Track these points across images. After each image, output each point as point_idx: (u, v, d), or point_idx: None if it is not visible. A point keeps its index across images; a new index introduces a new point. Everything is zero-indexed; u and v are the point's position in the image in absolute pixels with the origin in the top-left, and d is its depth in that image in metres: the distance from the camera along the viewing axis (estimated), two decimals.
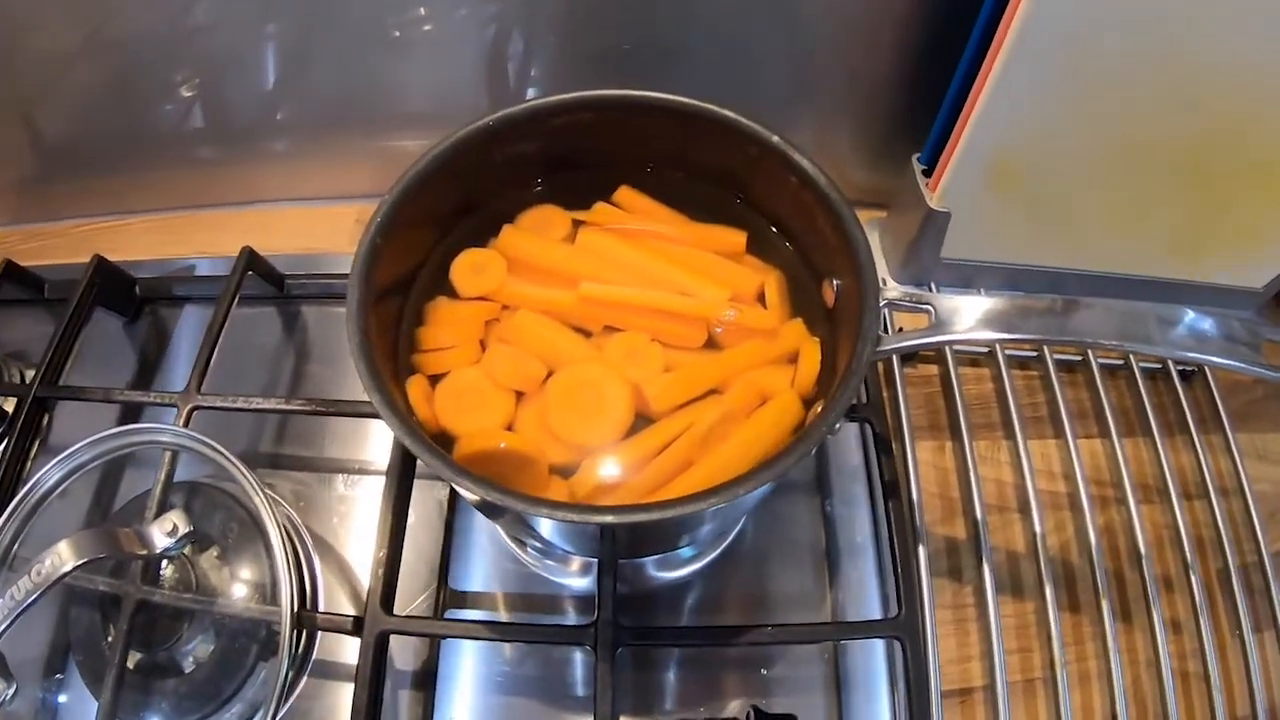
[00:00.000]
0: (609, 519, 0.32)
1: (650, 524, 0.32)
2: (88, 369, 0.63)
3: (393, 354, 0.42)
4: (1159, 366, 0.67)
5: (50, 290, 0.65)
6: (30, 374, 0.60)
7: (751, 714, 0.47)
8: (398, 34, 0.59)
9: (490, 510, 0.43)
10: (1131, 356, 0.66)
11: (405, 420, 0.34)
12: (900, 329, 0.62)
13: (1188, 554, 0.58)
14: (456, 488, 0.39)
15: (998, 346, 0.64)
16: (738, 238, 0.47)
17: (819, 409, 0.38)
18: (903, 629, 0.46)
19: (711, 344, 0.44)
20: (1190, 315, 0.40)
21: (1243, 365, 0.39)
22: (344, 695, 0.49)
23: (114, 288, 0.64)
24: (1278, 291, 0.71)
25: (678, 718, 0.49)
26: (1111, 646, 0.53)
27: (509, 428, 0.41)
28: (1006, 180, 0.59)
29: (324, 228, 0.72)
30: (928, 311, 0.39)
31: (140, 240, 0.73)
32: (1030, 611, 0.56)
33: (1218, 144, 0.57)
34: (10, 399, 0.60)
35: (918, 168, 0.63)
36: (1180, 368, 0.67)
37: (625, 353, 0.43)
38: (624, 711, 0.49)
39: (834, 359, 0.43)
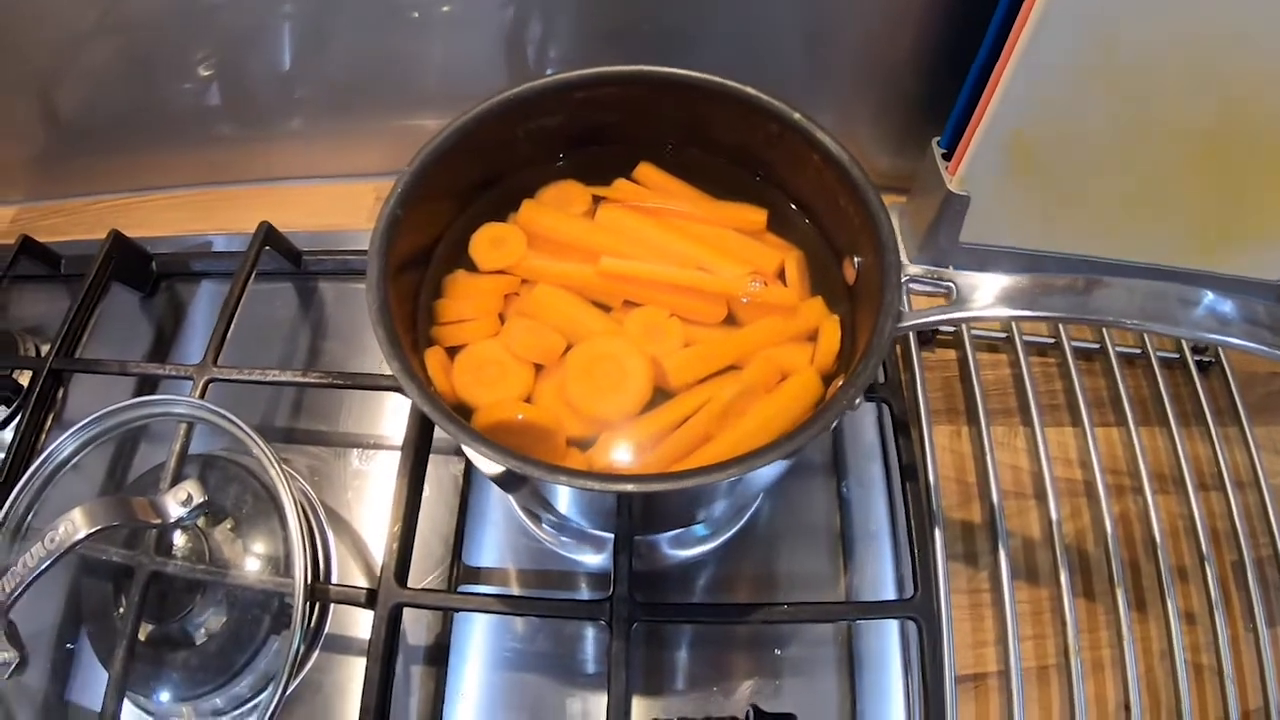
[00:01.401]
0: (629, 487, 0.31)
1: (669, 494, 0.32)
2: (104, 344, 0.63)
3: (411, 326, 0.42)
4: (1176, 356, 0.67)
5: (67, 266, 0.66)
6: (46, 348, 0.61)
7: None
8: (416, 14, 0.59)
9: (508, 482, 0.43)
10: (1149, 345, 0.66)
11: (425, 388, 0.34)
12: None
13: (1203, 545, 0.57)
14: (474, 457, 0.39)
15: (1015, 332, 0.64)
16: (758, 215, 0.46)
17: (839, 384, 0.38)
18: (919, 610, 0.46)
19: (731, 320, 0.44)
20: (1210, 297, 0.40)
21: (1265, 349, 0.39)
22: (356, 669, 0.49)
23: (131, 263, 0.64)
24: None
25: (683, 716, 0.49)
26: (1126, 636, 0.53)
27: (527, 400, 0.41)
28: (1026, 164, 0.58)
29: (342, 205, 0.72)
30: (948, 290, 0.39)
31: (159, 217, 0.73)
32: (1045, 598, 0.56)
33: (1239, 130, 0.57)
34: (26, 372, 0.60)
35: (937, 151, 0.63)
36: (1198, 359, 0.67)
37: (644, 327, 0.43)
38: (636, 689, 0.49)
39: (854, 337, 0.42)
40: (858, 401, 0.35)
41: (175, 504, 0.44)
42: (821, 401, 0.41)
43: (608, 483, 0.32)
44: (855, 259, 0.43)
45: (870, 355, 0.35)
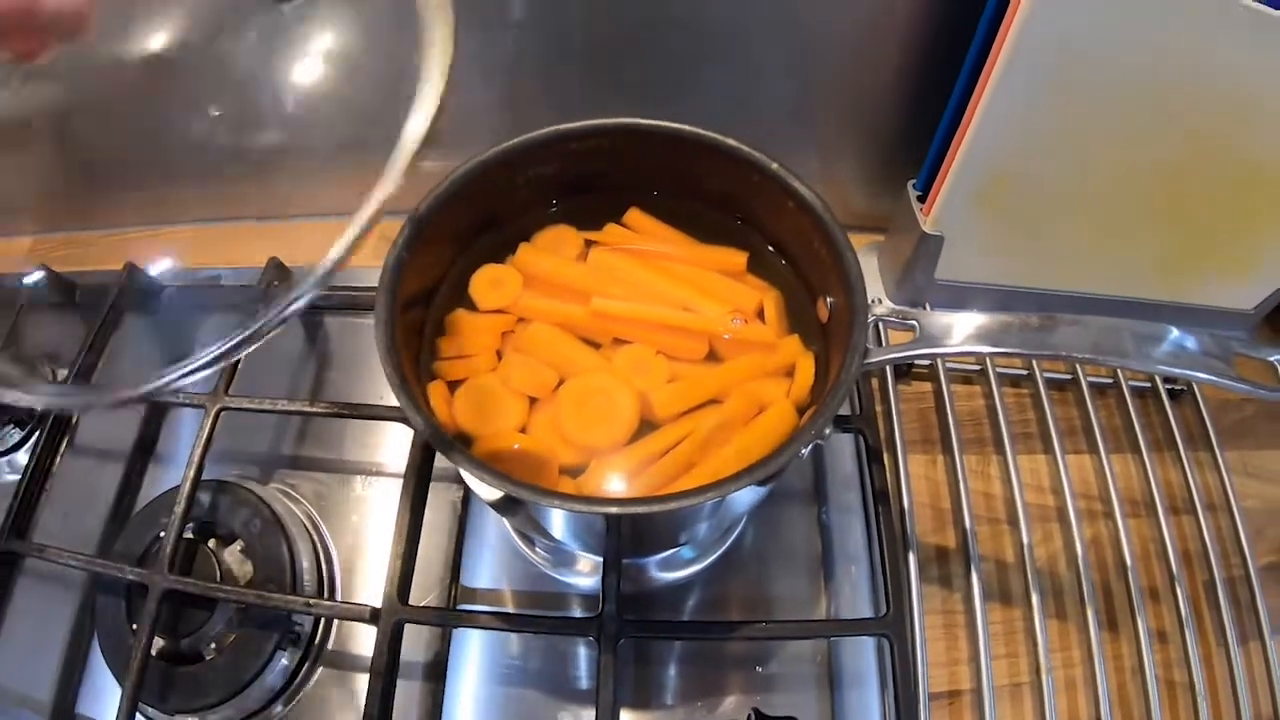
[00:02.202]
0: (613, 510, 0.34)
1: (652, 517, 0.34)
2: (116, 371, 0.65)
3: (415, 361, 0.45)
4: (1148, 385, 0.69)
5: (81, 295, 0.68)
6: (62, 374, 0.63)
7: (752, 715, 0.49)
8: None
9: (504, 506, 0.46)
10: (1121, 376, 0.68)
11: (430, 418, 0.37)
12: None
13: (1174, 567, 0.59)
14: (473, 483, 0.42)
15: (989, 365, 0.66)
16: (739, 258, 0.49)
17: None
18: (889, 627, 0.48)
19: (713, 357, 0.47)
20: (1175, 333, 0.42)
21: (1213, 378, 0.41)
22: (359, 684, 0.51)
23: (144, 294, 0.66)
24: (1269, 313, 0.73)
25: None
26: (1096, 654, 0.54)
27: (523, 430, 0.44)
28: (997, 204, 0.61)
29: None
30: (914, 327, 0.42)
31: (170, 251, 0.76)
32: (1018, 619, 0.58)
33: (1204, 168, 0.59)
34: None
35: (913, 193, 0.65)
36: (1169, 387, 0.69)
37: (632, 363, 0.45)
38: (625, 704, 0.51)
39: (828, 371, 0.45)
40: (827, 431, 0.38)
41: None
42: None
43: (593, 505, 0.35)
44: (828, 299, 0.45)
45: (837, 389, 0.37)
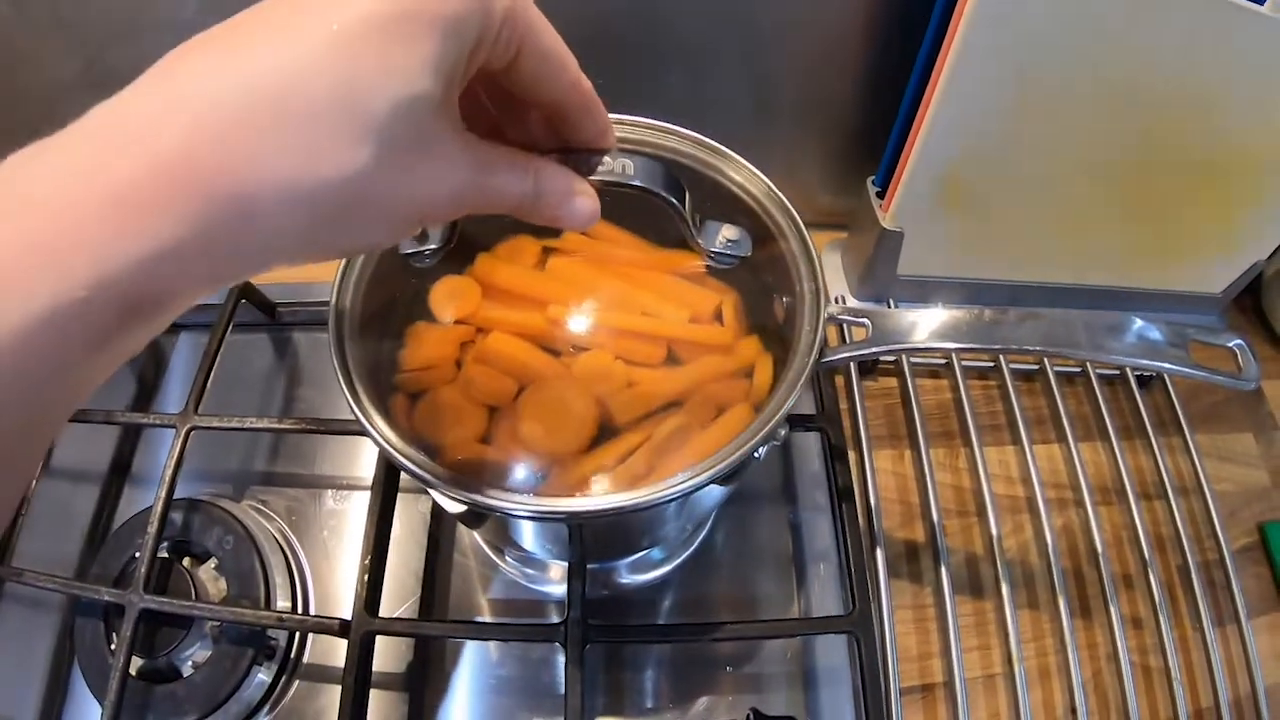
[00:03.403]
0: (565, 516, 0.35)
1: (609, 521, 0.35)
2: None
3: (375, 375, 0.45)
4: (1116, 373, 0.70)
5: None
6: None
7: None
8: None
9: (469, 518, 0.46)
10: (1088, 364, 0.69)
11: (389, 439, 0.37)
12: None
13: (1146, 552, 0.60)
14: (437, 495, 0.42)
15: (954, 358, 0.67)
16: (696, 260, 0.49)
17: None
18: (856, 625, 0.49)
19: (672, 359, 0.47)
20: (1133, 323, 0.43)
21: (1169, 366, 0.42)
22: (335, 697, 0.51)
23: None
24: (1237, 295, 0.73)
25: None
26: (1069, 642, 0.55)
27: (484, 440, 0.44)
28: (956, 198, 0.62)
29: None
30: (866, 326, 0.42)
31: None
32: (989, 610, 0.58)
33: (1159, 155, 0.60)
34: None
35: (872, 190, 0.66)
36: (1138, 373, 0.70)
37: (590, 370, 0.45)
38: (598, 709, 0.51)
39: (786, 372, 0.45)
40: (781, 432, 0.38)
41: None
42: None
43: (549, 513, 0.35)
44: (785, 299, 0.46)
45: (789, 390, 0.38)
